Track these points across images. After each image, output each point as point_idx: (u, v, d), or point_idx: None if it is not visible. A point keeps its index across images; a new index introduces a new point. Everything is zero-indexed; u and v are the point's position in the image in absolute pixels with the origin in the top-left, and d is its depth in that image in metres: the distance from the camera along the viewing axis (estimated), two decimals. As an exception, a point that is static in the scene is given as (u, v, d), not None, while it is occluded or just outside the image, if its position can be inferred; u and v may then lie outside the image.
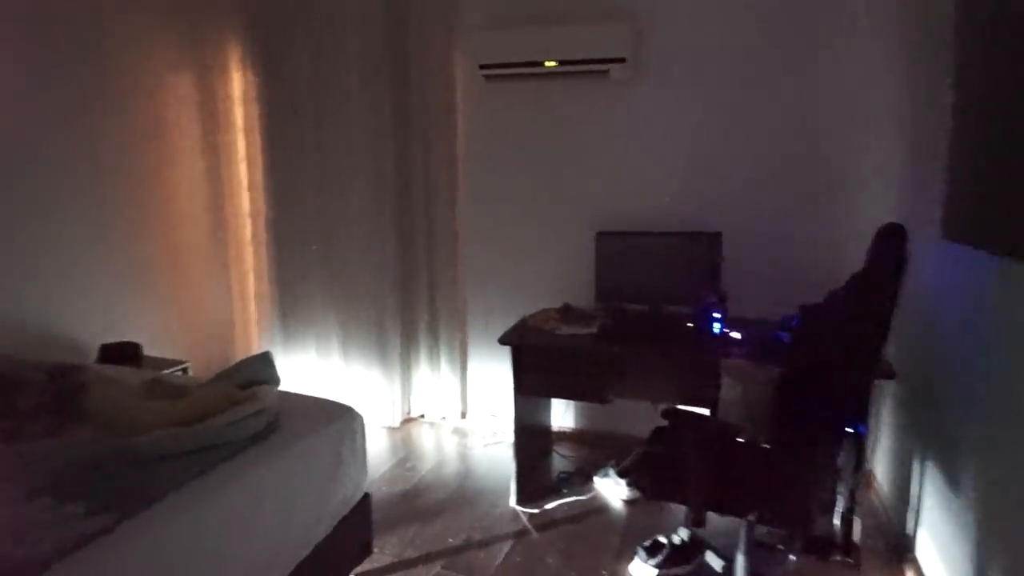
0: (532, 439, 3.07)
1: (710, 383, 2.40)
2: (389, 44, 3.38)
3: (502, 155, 3.42)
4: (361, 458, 2.15)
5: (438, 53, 3.35)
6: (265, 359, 2.01)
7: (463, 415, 3.72)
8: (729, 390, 2.31)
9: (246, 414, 1.76)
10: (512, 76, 3.18)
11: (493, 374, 3.58)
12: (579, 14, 3.09)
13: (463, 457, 3.35)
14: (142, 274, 3.46)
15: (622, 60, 2.98)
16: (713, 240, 2.89)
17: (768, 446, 2.20)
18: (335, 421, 2.07)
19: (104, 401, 1.79)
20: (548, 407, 3.34)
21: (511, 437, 2.85)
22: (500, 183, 3.45)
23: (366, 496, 2.19)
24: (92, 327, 3.17)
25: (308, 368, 3.79)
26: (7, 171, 2.78)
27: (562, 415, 3.46)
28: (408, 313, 3.63)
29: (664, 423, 2.20)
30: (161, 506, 1.48)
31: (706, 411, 2.62)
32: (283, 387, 3.71)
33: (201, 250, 3.81)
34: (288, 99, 3.57)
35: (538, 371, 2.75)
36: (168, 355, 3.32)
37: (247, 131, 3.73)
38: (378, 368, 3.61)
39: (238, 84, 3.71)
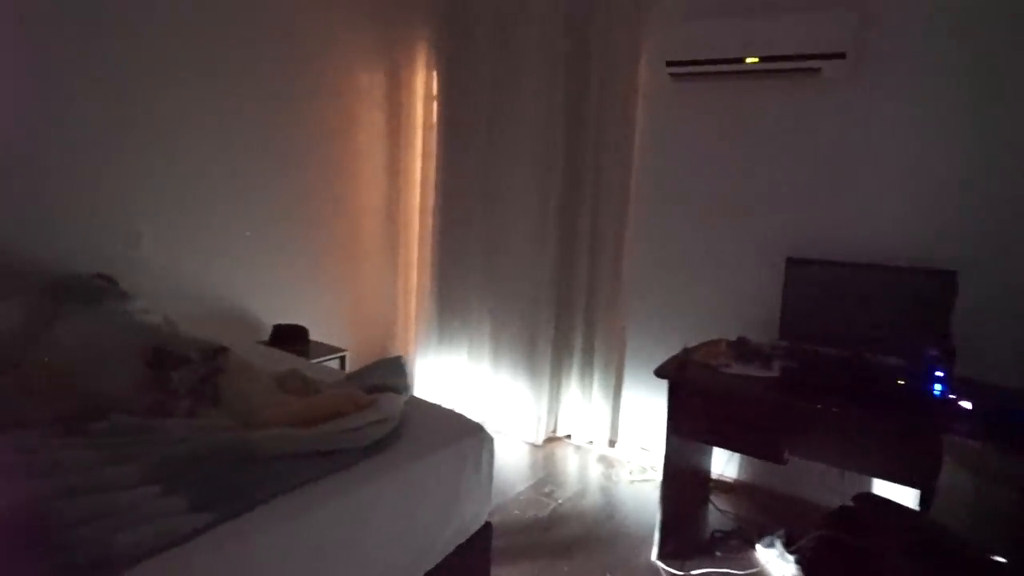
0: (684, 485, 2.70)
1: (924, 462, 1.87)
2: (571, 42, 3.19)
3: (683, 163, 3.07)
4: (486, 483, 1.97)
5: (623, 49, 3.09)
6: (395, 365, 1.90)
7: (612, 443, 3.42)
8: (952, 478, 1.77)
9: (366, 422, 1.65)
10: (703, 75, 2.82)
11: (649, 404, 3.24)
12: (790, 2, 2.65)
13: (606, 490, 3.05)
14: (317, 261, 3.62)
15: (840, 56, 2.49)
16: (944, 279, 2.30)
17: (1005, 561, 1.65)
18: (463, 439, 1.90)
19: (236, 389, 1.79)
20: (708, 449, 2.93)
21: (662, 476, 2.50)
22: (678, 194, 3.10)
23: (487, 525, 2.00)
24: (268, 307, 3.37)
25: (458, 370, 3.73)
26: (206, 156, 3.02)
27: (724, 461, 3.02)
28: (563, 327, 3.41)
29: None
30: (263, 511, 1.40)
31: (912, 495, 2.08)
32: (430, 387, 3.74)
33: (374, 243, 3.92)
34: (467, 98, 3.54)
35: (699, 413, 2.37)
36: (331, 341, 3.43)
37: (426, 129, 3.77)
38: (526, 380, 3.44)
39: (422, 82, 3.77)
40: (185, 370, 1.91)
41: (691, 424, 2.40)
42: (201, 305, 3.06)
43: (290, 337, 3.27)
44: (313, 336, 3.38)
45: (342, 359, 3.31)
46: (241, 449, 1.50)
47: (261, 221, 3.29)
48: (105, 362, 1.89)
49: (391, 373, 1.87)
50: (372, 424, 1.67)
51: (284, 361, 2.36)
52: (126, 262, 2.73)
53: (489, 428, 3.48)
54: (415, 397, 2.06)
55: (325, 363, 3.15)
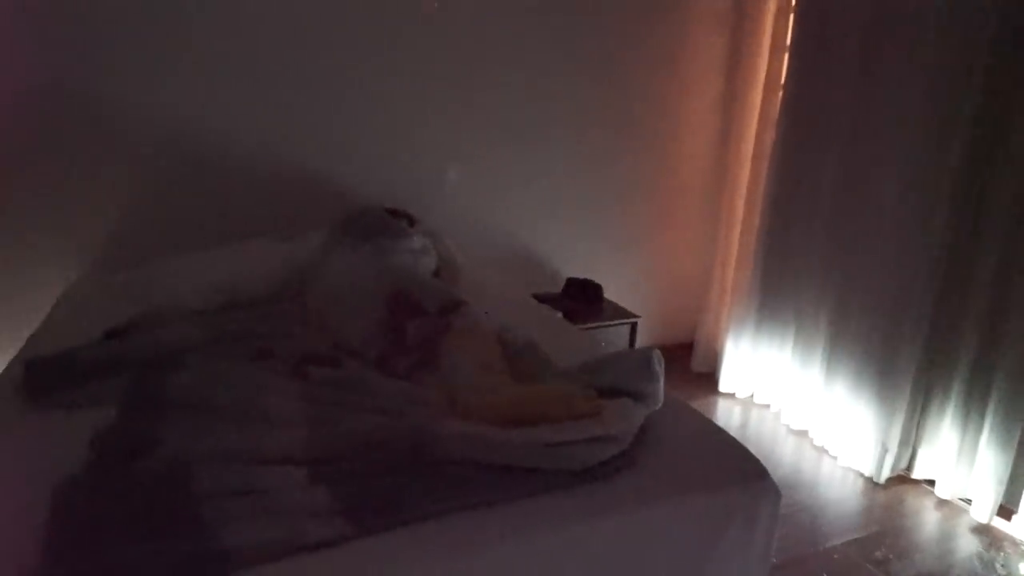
0: None
1: None
2: None
3: None
4: (760, 557, 1.34)
5: None
6: (645, 363, 1.35)
7: (1006, 512, 2.29)
8: None
9: (579, 437, 1.19)
10: None
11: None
12: None
13: (980, 584, 2.04)
14: (623, 212, 3.19)
15: None
16: None
17: None
18: (729, 487, 1.30)
19: (457, 355, 1.49)
20: None
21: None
22: None
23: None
24: (564, 257, 3.11)
25: (777, 371, 2.93)
26: (512, 91, 2.80)
27: None
28: (942, 336, 2.35)
29: None
30: (421, 530, 1.07)
31: None
32: (739, 379, 2.99)
33: (693, 194, 3.31)
34: (836, 6, 2.61)
35: None
36: (625, 303, 3.01)
37: (774, 51, 2.94)
38: (870, 396, 2.50)
39: (777, -9, 2.93)
40: (419, 322, 1.70)
41: None
42: (496, 249, 2.94)
43: (583, 293, 2.97)
44: (608, 295, 3.00)
45: (633, 326, 2.88)
46: (418, 439, 1.19)
47: (561, 163, 2.99)
48: (353, 303, 1.80)
49: (633, 373, 1.34)
50: (591, 441, 1.20)
51: (544, 324, 2.02)
52: (429, 199, 2.71)
53: (813, 442, 2.74)
54: (678, 403, 1.50)
55: (610, 327, 2.78)
